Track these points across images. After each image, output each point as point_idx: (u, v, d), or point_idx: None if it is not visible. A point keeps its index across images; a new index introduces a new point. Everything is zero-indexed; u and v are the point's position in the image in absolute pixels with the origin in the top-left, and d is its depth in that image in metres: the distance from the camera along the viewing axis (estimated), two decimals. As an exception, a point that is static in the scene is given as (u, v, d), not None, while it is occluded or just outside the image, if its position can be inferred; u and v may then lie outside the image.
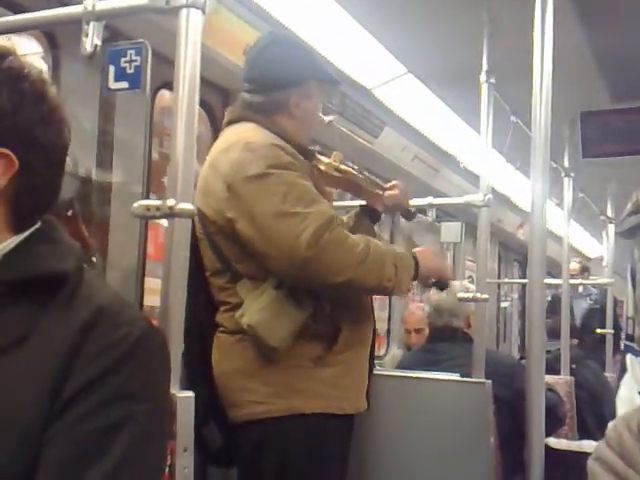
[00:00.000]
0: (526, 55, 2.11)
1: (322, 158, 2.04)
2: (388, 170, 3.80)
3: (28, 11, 1.39)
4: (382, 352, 4.69)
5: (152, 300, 2.64)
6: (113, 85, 1.28)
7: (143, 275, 2.68)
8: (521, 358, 3.31)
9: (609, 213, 4.83)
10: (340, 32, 2.99)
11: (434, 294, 2.93)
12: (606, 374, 4.17)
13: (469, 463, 2.16)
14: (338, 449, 1.86)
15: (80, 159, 2.45)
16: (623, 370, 3.41)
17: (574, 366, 3.65)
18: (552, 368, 3.27)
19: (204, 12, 1.26)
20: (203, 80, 1.29)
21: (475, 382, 2.31)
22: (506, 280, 7.09)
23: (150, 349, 0.91)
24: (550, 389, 2.72)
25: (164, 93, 2.72)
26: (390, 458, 2.25)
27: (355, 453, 1.94)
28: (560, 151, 3.88)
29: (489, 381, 2.26)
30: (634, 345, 3.52)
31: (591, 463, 0.92)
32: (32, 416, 0.83)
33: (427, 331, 3.14)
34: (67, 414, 0.84)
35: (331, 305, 1.83)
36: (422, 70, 3.45)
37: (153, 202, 1.24)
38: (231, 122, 1.94)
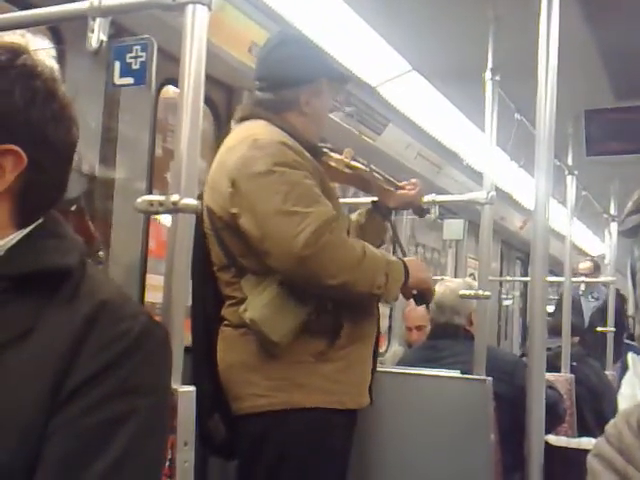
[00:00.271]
0: (531, 53, 2.11)
1: (333, 155, 2.05)
2: (391, 167, 3.79)
3: (34, 7, 1.40)
4: (383, 349, 4.69)
5: (153, 296, 2.65)
6: (119, 81, 1.28)
7: (145, 271, 2.69)
8: (522, 355, 3.32)
9: (612, 211, 4.82)
10: (345, 29, 2.99)
11: (437, 291, 2.94)
12: (606, 372, 4.17)
13: (469, 459, 2.17)
14: (339, 444, 1.87)
15: (84, 155, 2.46)
16: (624, 368, 3.42)
17: (575, 364, 3.65)
18: (553, 365, 3.28)
19: (210, 9, 1.26)
20: (207, 77, 1.29)
21: (476, 379, 2.32)
22: (508, 278, 7.09)
23: (152, 343, 0.91)
24: (550, 386, 2.72)
25: (168, 89, 2.72)
26: (391, 454, 2.26)
27: (356, 448, 1.95)
28: (564, 149, 3.87)
29: (490, 378, 2.27)
30: (635, 344, 3.52)
31: (591, 459, 0.92)
32: (34, 411, 0.84)
33: (428, 328, 3.15)
34: (69, 408, 0.84)
35: (333, 301, 1.84)
36: (427, 67, 3.45)
37: (157, 197, 1.25)
38: (242, 119, 1.96)
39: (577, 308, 5.24)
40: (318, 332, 1.83)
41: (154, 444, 0.90)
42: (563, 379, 3.51)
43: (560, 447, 2.22)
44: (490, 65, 2.60)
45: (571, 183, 3.94)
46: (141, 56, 1.25)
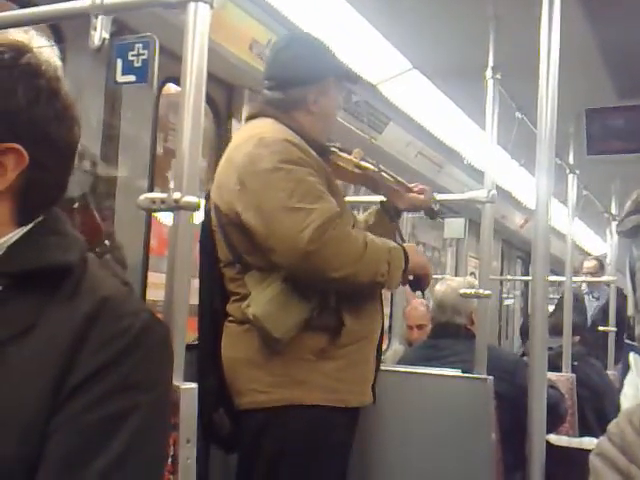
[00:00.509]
0: (532, 51, 2.11)
1: (342, 154, 2.07)
2: (392, 166, 3.79)
3: (35, 5, 1.39)
4: (384, 348, 4.69)
5: (154, 294, 2.66)
6: (120, 78, 1.28)
7: (146, 269, 2.69)
8: (522, 355, 3.32)
9: (613, 211, 4.82)
10: (346, 28, 2.99)
11: (438, 290, 2.94)
12: (608, 372, 4.16)
13: (470, 458, 2.17)
14: (339, 441, 1.88)
15: (86, 152, 2.46)
16: (626, 369, 3.41)
17: (576, 363, 3.65)
18: (554, 365, 3.28)
19: (212, 6, 1.26)
20: (207, 75, 1.29)
21: (477, 378, 2.32)
22: (509, 277, 7.10)
23: (153, 340, 0.92)
24: (552, 386, 2.72)
25: (169, 87, 2.72)
26: (391, 452, 2.26)
27: (356, 446, 1.95)
28: (565, 148, 3.87)
29: (491, 377, 2.27)
30: (635, 344, 3.51)
31: (593, 458, 0.92)
32: (36, 408, 0.84)
33: (429, 327, 3.14)
34: (71, 404, 0.84)
35: (336, 299, 1.85)
36: (427, 66, 3.44)
37: (158, 195, 1.25)
38: (251, 117, 1.99)
39: (581, 307, 5.24)
40: (320, 329, 1.84)
41: (156, 440, 0.90)
42: (564, 379, 3.51)
43: (561, 447, 2.22)
44: (491, 63, 2.59)
45: (572, 182, 3.94)
46: (143, 54, 1.25)
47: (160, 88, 2.67)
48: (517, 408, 2.24)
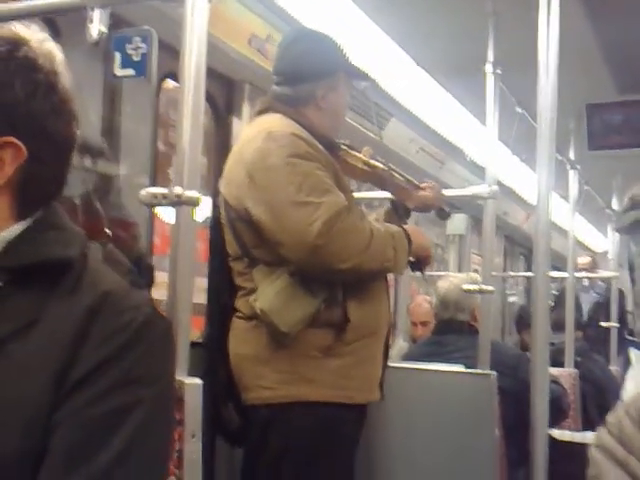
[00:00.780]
0: (532, 46, 2.10)
1: (352, 152, 2.07)
2: (393, 162, 3.79)
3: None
4: (388, 344, 4.68)
5: (158, 294, 2.65)
6: (119, 72, 1.27)
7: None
8: (521, 347, 3.31)
9: (614, 206, 4.81)
10: (346, 23, 2.99)
11: (441, 287, 2.94)
12: (610, 367, 4.16)
13: (474, 454, 2.16)
14: (345, 438, 1.88)
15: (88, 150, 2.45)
16: (626, 364, 3.41)
17: (579, 359, 3.65)
18: (556, 360, 3.27)
19: (210, 0, 1.25)
20: (206, 69, 1.28)
21: (480, 373, 2.32)
22: (511, 273, 7.09)
23: (155, 334, 0.91)
24: (554, 381, 2.72)
25: (169, 84, 2.72)
26: (395, 448, 2.26)
27: (361, 442, 1.95)
28: (566, 143, 3.86)
29: (494, 372, 2.26)
30: (636, 339, 3.51)
31: (593, 450, 0.92)
32: (39, 403, 0.83)
33: (433, 324, 3.14)
34: (74, 399, 0.84)
35: (344, 294, 1.85)
36: (428, 61, 3.44)
37: (160, 190, 1.25)
38: (260, 112, 1.99)
39: (576, 303, 5.24)
40: (326, 324, 1.83)
41: (159, 434, 0.90)
42: (567, 374, 3.51)
43: (565, 442, 2.22)
44: (491, 59, 2.59)
45: (573, 178, 3.93)
46: (142, 47, 1.25)
47: (159, 83, 2.66)
48: (520, 403, 2.24)
